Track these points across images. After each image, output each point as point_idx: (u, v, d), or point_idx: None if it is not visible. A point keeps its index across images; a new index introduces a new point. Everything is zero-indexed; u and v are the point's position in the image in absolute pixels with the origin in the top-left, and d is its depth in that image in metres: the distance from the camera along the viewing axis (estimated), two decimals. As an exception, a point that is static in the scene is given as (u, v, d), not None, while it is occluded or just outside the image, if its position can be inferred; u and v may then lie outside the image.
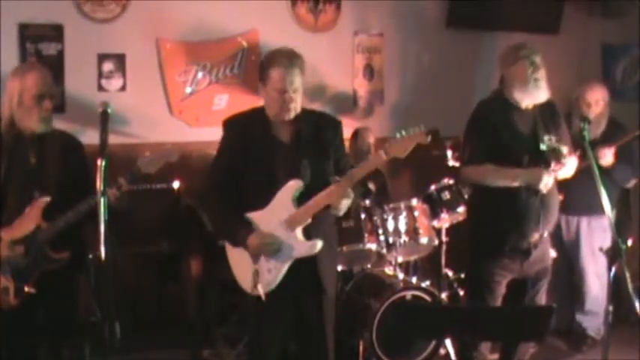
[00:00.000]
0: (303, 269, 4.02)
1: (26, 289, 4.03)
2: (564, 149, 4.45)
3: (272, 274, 4.01)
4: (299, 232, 4.00)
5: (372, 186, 5.76)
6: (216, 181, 4.16)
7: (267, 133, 4.08)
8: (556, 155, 4.44)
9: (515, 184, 4.47)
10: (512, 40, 6.67)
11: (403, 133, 3.89)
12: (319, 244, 3.97)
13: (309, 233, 4.02)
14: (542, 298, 4.72)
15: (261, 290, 3.94)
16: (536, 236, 4.53)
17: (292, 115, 4.03)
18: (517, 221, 4.48)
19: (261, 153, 4.03)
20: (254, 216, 4.04)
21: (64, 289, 4.20)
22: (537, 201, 4.46)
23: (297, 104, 4.04)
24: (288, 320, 4.17)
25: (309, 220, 4.00)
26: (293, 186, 3.99)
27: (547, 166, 4.46)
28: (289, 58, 4.03)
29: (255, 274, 3.94)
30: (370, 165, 3.98)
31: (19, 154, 4.14)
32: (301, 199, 4.00)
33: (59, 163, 4.16)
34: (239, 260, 4.11)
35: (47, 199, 4.06)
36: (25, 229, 4.06)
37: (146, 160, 4.14)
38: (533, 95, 4.54)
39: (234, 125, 4.19)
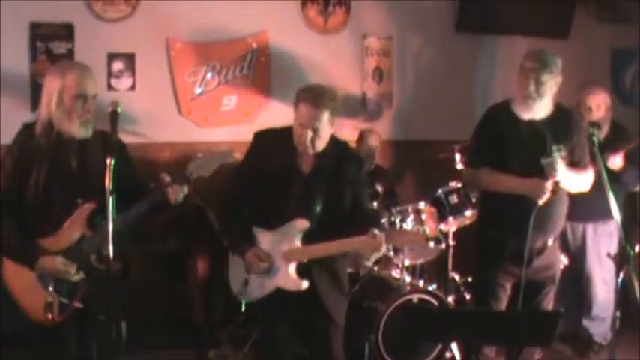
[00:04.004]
0: (310, 303, 4.12)
1: (74, 304, 3.74)
2: (559, 165, 4.38)
3: (256, 290, 4.17)
4: (292, 266, 4.11)
5: (379, 188, 5.76)
6: (234, 190, 4.24)
7: (289, 160, 4.11)
8: (550, 170, 4.37)
9: (514, 192, 4.45)
10: (522, 45, 6.75)
11: (408, 228, 4.04)
12: (304, 284, 4.07)
13: (307, 269, 4.11)
14: (548, 304, 4.71)
15: (242, 298, 4.19)
16: (538, 243, 4.52)
17: (310, 152, 4.05)
18: (518, 227, 4.43)
19: (278, 179, 4.08)
20: (260, 233, 4.16)
21: (106, 302, 3.70)
22: (541, 208, 4.41)
23: (317, 143, 4.03)
24: (296, 336, 4.31)
25: (305, 260, 4.10)
26: (299, 225, 4.08)
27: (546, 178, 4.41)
28: (318, 97, 3.98)
29: (245, 283, 4.15)
30: (363, 242, 3.95)
31: (60, 159, 3.79)
32: (307, 235, 4.09)
33: (102, 167, 3.65)
34: (236, 264, 4.25)
35: (92, 205, 3.76)
36: (69, 239, 3.75)
37: (198, 162, 3.87)
38: (531, 110, 4.50)
39: (263, 141, 4.21)
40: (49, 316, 3.70)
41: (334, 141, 4.16)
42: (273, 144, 4.17)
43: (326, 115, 3.98)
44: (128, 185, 3.69)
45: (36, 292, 3.72)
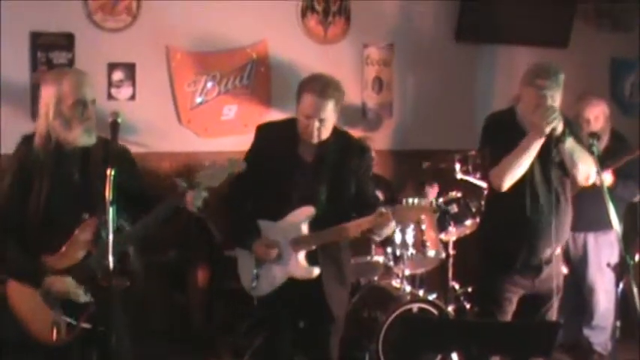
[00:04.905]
0: (313, 297, 4.12)
1: (81, 324, 3.58)
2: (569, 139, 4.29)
3: (267, 283, 4.17)
4: (301, 254, 4.13)
5: (380, 197, 5.77)
6: (239, 183, 4.20)
7: (292, 151, 4.14)
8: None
9: (536, 145, 4.28)
10: (522, 54, 6.76)
11: (415, 201, 3.98)
12: (316, 271, 4.09)
13: (315, 258, 4.13)
14: (553, 315, 4.68)
15: (254, 293, 4.18)
16: (547, 252, 4.49)
17: (315, 141, 4.09)
18: (529, 237, 4.43)
19: (281, 169, 4.10)
20: (265, 225, 4.16)
21: (115, 322, 3.60)
22: (550, 217, 4.39)
23: (323, 132, 4.09)
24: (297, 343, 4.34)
25: (313, 247, 4.11)
26: (305, 212, 4.10)
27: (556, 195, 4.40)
28: (323, 88, 4.03)
29: (255, 277, 4.16)
30: (372, 222, 3.99)
31: (61, 171, 3.62)
32: (314, 223, 4.10)
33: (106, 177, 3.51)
34: (245, 259, 4.26)
35: (97, 219, 3.58)
36: (74, 256, 3.57)
37: (207, 172, 3.72)
38: None
39: (265, 133, 4.26)
40: (55, 336, 3.55)
41: (336, 130, 4.20)
42: (275, 135, 4.21)
43: (331, 105, 4.04)
44: (135, 195, 3.60)
45: (41, 312, 3.58)
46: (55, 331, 3.55)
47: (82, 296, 3.58)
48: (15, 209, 3.62)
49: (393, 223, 3.98)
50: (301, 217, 4.09)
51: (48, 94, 3.62)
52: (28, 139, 3.73)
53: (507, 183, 4.36)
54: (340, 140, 4.21)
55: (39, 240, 3.62)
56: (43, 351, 3.64)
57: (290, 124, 4.18)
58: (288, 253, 4.11)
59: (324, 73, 4.23)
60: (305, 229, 4.11)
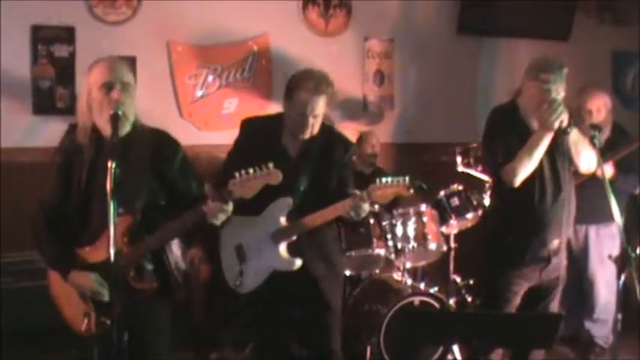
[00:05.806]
0: (304, 288, 4.13)
1: (102, 319, 3.53)
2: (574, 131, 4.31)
3: (251, 279, 4.15)
4: (282, 246, 4.11)
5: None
6: (225, 177, 4.18)
7: (277, 145, 4.14)
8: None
9: (546, 140, 4.28)
10: (523, 47, 6.76)
11: (389, 180, 3.93)
12: (298, 263, 4.08)
13: (299, 249, 4.12)
14: (555, 306, 4.68)
15: (240, 290, 4.16)
16: (556, 243, 4.49)
17: (307, 137, 4.10)
18: (539, 229, 4.41)
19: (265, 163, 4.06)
20: (246, 220, 4.09)
21: (147, 322, 3.68)
22: (558, 208, 4.40)
23: (315, 128, 4.10)
24: (291, 332, 4.35)
25: (294, 238, 4.10)
26: (283, 204, 4.08)
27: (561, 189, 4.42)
28: (316, 84, 4.03)
29: (240, 273, 4.14)
30: (349, 204, 3.96)
31: (99, 163, 3.47)
32: (293, 214, 4.09)
33: (149, 171, 3.56)
34: (229, 255, 4.26)
35: (129, 218, 3.51)
36: (104, 252, 3.32)
37: (238, 181, 3.54)
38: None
39: (250, 128, 4.26)
40: (86, 327, 3.57)
41: (321, 124, 4.19)
42: (260, 130, 4.21)
43: (324, 101, 4.05)
44: (180, 193, 3.60)
45: (75, 301, 3.61)
46: (84, 322, 3.58)
47: (105, 295, 3.51)
48: (58, 201, 3.62)
49: (366, 205, 3.96)
50: (279, 209, 4.08)
51: (83, 86, 3.61)
52: (72, 129, 3.69)
53: (520, 178, 4.34)
54: (325, 134, 4.20)
55: (77, 232, 3.62)
56: (74, 340, 3.70)
57: (276, 119, 4.18)
58: (269, 246, 4.09)
59: (314, 68, 4.21)
60: (283, 220, 4.09)
